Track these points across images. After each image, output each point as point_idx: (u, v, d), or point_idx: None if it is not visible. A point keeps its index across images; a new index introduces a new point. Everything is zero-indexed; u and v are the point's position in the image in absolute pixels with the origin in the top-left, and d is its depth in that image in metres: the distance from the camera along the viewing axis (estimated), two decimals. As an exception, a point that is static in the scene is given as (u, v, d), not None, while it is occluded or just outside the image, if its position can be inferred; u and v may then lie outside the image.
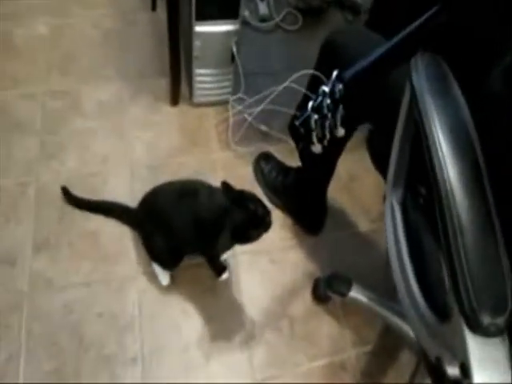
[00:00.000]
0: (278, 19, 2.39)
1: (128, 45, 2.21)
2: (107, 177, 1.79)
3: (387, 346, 1.54)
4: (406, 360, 1.47)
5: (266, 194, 1.79)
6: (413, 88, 0.89)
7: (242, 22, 1.94)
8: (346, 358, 1.51)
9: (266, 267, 1.67)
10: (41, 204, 1.70)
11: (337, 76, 1.09)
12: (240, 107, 1.94)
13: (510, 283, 0.72)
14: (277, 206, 1.78)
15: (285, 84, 1.65)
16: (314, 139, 1.17)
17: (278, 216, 1.75)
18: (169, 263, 1.55)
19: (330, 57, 1.34)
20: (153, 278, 1.58)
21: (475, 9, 0.94)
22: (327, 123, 1.11)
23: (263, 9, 2.40)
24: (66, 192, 1.70)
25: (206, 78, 1.92)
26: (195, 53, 1.81)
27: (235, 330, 1.54)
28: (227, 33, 1.78)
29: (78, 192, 1.71)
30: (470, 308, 0.71)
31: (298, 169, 1.69)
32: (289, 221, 1.77)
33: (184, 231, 1.44)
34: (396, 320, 1.39)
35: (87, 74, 2.08)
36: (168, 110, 2.00)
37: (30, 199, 1.71)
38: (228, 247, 1.48)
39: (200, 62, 1.86)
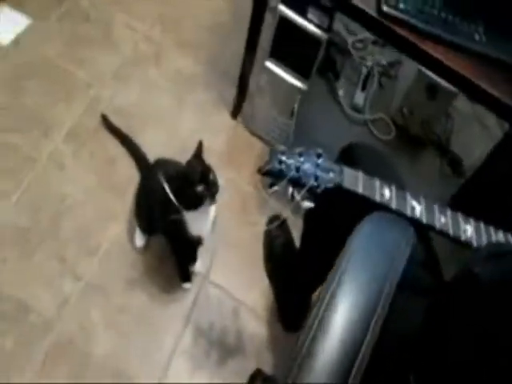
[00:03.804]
0: (368, 117, 2.17)
1: (228, 38, 2.23)
2: (147, 127, 1.96)
3: None
4: None
5: (264, 258, 1.68)
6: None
7: (333, 99, 1.98)
8: None
9: (227, 312, 1.72)
10: (90, 109, 1.93)
11: (311, 189, 0.99)
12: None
13: None
14: (267, 272, 1.69)
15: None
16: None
17: (265, 285, 1.72)
18: (141, 227, 1.67)
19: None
20: (132, 230, 1.73)
21: None
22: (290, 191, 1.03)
23: (359, 98, 2.20)
24: (105, 119, 1.91)
25: (264, 114, 1.94)
26: (260, 82, 1.85)
27: (169, 336, 1.65)
28: (293, 86, 1.76)
29: (118, 118, 1.91)
30: None
31: (297, 254, 1.58)
32: (272, 302, 1.74)
33: (149, 208, 1.56)
34: None
35: (183, 39, 2.22)
36: (225, 117, 2.07)
37: (85, 98, 1.97)
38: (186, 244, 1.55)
39: (262, 94, 1.88)
